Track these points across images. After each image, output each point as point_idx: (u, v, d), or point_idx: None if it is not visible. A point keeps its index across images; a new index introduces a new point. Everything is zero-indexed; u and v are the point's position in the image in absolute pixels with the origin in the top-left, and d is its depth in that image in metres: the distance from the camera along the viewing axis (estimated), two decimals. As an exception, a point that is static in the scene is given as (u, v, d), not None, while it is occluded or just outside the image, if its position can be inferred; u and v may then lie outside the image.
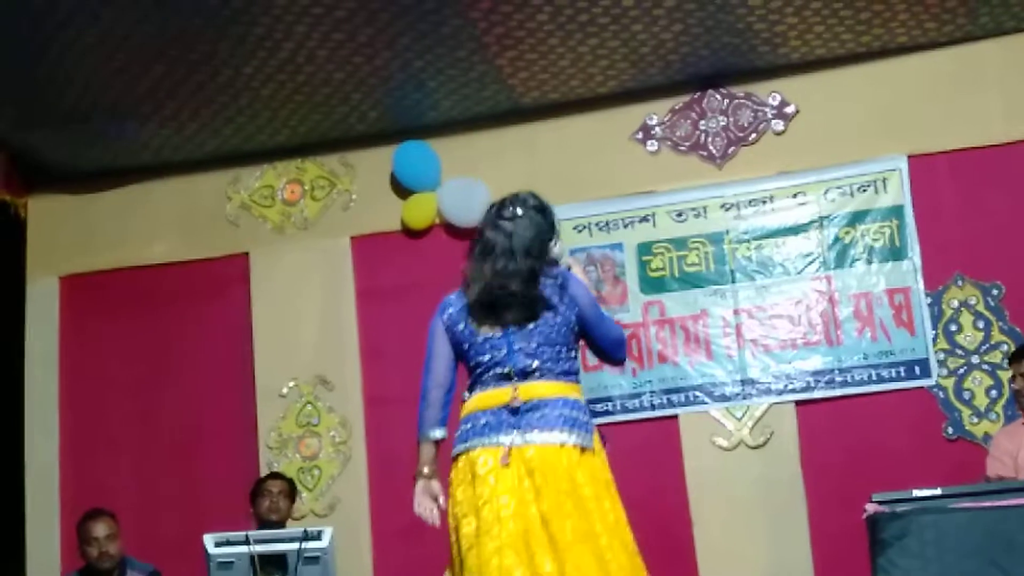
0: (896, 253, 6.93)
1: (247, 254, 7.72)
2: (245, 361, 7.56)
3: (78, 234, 7.90)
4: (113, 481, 7.47)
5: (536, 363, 4.31)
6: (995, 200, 6.86)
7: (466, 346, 4.55)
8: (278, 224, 7.74)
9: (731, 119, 7.25)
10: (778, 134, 7.20)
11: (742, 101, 7.25)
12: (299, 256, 7.64)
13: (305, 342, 7.56)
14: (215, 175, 7.81)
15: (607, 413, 7.06)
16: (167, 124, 7.25)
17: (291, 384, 7.51)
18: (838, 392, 6.88)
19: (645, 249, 7.23)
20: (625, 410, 7.05)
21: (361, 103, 7.20)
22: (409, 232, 7.54)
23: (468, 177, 7.42)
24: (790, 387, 6.90)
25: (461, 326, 4.59)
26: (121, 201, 7.90)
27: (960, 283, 6.84)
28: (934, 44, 6.93)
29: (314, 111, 7.25)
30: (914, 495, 4.67)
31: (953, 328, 6.82)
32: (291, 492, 6.57)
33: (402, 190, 7.54)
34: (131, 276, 7.80)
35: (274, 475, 6.71)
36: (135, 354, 7.72)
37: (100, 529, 6.03)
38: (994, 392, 6.72)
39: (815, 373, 6.90)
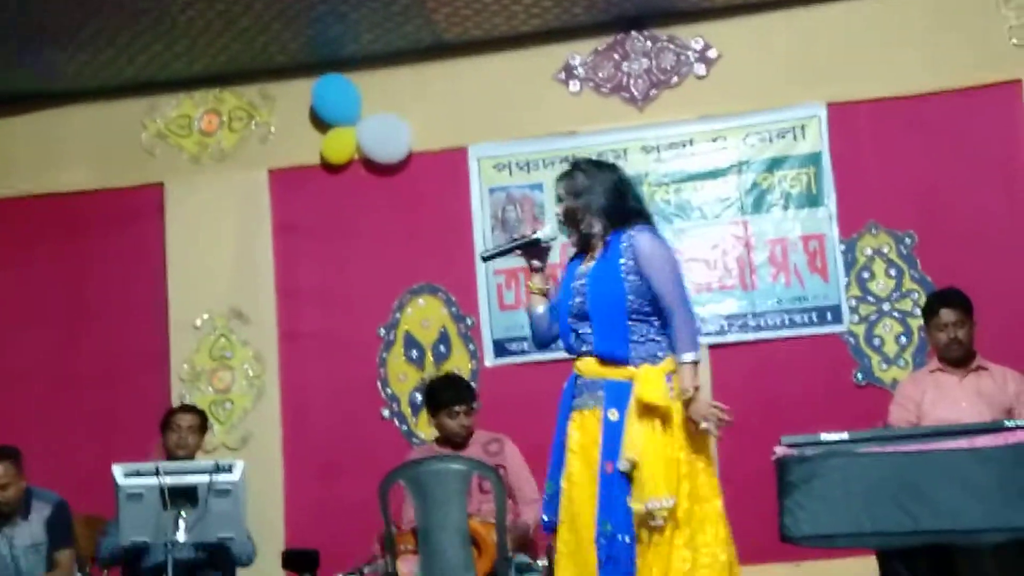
0: (812, 200, 6.99)
1: (162, 184, 7.61)
2: (159, 292, 7.49)
3: (-10, 160, 7.76)
4: (23, 409, 7.37)
5: None
6: (911, 150, 6.92)
7: None
8: (194, 154, 7.64)
9: (654, 62, 7.25)
10: (700, 78, 7.21)
11: (665, 44, 7.24)
12: (215, 188, 7.55)
13: (220, 275, 7.49)
14: (131, 103, 7.68)
15: (522, 353, 7.08)
16: (83, 50, 7.12)
17: (205, 316, 7.45)
18: (751, 336, 6.94)
19: (565, 190, 7.22)
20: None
21: (281, 33, 7.10)
22: (328, 166, 7.48)
23: (388, 113, 7.36)
24: (704, 330, 6.93)
25: None
26: (35, 127, 7.76)
27: (874, 231, 6.92)
28: (857, -8, 6.97)
29: (234, 40, 7.14)
30: (822, 439, 4.72)
31: (866, 275, 6.90)
32: (201, 426, 6.46)
33: (321, 124, 7.47)
34: (44, 204, 7.67)
35: (185, 408, 6.58)
36: (46, 282, 7.61)
37: None
38: (904, 339, 6.81)
39: (729, 317, 6.96)
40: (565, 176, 4.67)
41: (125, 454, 5.63)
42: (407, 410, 7.19)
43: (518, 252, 4.69)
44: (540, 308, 4.65)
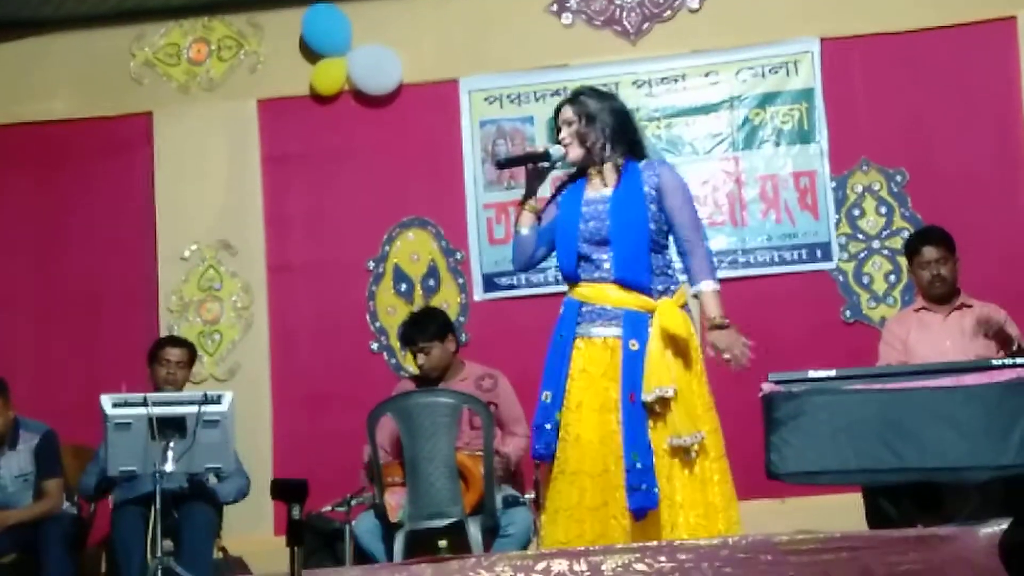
0: (804, 136, 6.97)
1: (150, 113, 7.55)
2: (147, 223, 7.45)
3: (-25, 88, 7.69)
4: (10, 340, 7.35)
5: None
6: (904, 87, 6.90)
7: None
8: (183, 84, 7.58)
9: (647, -6, 7.20)
10: (693, 12, 7.16)
11: (658, -24, 7.19)
12: (204, 117, 7.49)
13: (208, 206, 7.45)
14: (119, 31, 7.60)
15: (511, 287, 7.08)
16: (70, -25, 7.05)
17: (193, 248, 7.42)
18: (740, 272, 6.94)
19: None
20: (530, 284, 7.05)
21: (272, -39, 7.04)
22: (317, 97, 7.43)
23: (379, 44, 7.30)
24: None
25: None
26: (20, 55, 7.67)
27: (865, 168, 6.90)
28: (852, -74, 6.92)
29: (223, -33, 7.08)
30: (809, 376, 4.74)
31: (856, 213, 6.90)
32: (190, 360, 6.44)
33: (311, 54, 7.40)
34: (29, 132, 7.59)
35: (173, 341, 6.52)
36: (33, 212, 7.55)
37: None
38: (893, 277, 6.82)
39: (718, 253, 6.92)
40: (573, 101, 4.65)
41: (112, 386, 5.61)
42: (395, 343, 7.18)
43: (529, 165, 4.63)
44: (526, 230, 4.62)
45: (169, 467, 5.20)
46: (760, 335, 6.65)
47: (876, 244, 6.86)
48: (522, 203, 4.64)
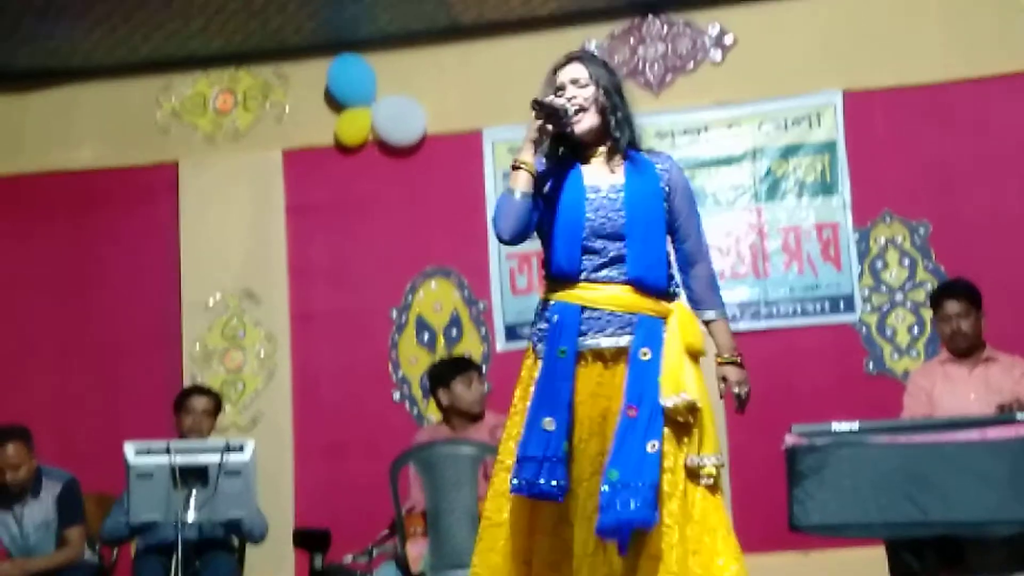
0: (827, 188, 6.97)
1: (176, 163, 7.62)
2: (171, 272, 7.49)
3: (5, 136, 7.75)
4: (34, 388, 7.39)
5: None
6: (927, 139, 6.90)
7: None
8: (209, 134, 7.64)
9: (670, 47, 7.23)
10: (716, 64, 7.19)
11: (682, 29, 7.22)
12: (229, 167, 7.55)
13: (233, 255, 7.49)
14: (147, 81, 7.68)
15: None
16: (99, 26, 7.11)
17: (217, 296, 7.46)
18: (763, 324, 6.93)
19: (579, 174, 7.21)
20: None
21: (298, 13, 7.10)
22: (342, 148, 7.48)
23: (403, 95, 7.35)
24: (716, 317, 6.94)
25: None
26: (50, 104, 7.75)
27: (888, 220, 6.90)
28: (876, -21, 6.95)
29: (250, 19, 7.14)
30: (832, 428, 4.73)
31: (879, 265, 6.89)
32: (216, 408, 6.47)
33: (336, 105, 7.46)
34: (57, 181, 7.67)
35: (199, 390, 6.53)
36: (59, 260, 7.61)
37: (5, 456, 5.91)
38: (916, 329, 6.80)
39: (741, 305, 6.95)
40: (583, 59, 3.98)
41: (135, 433, 5.64)
42: (418, 393, 7.19)
43: (543, 115, 3.80)
44: (523, 193, 3.80)
45: (191, 516, 5.21)
46: (783, 387, 6.73)
47: (899, 296, 6.85)
48: (517, 164, 3.82)
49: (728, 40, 7.16)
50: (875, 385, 6.75)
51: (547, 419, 3.71)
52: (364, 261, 7.36)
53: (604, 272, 3.82)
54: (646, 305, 3.81)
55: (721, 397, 3.91)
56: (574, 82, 3.89)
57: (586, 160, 3.92)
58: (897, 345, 6.82)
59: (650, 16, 7.23)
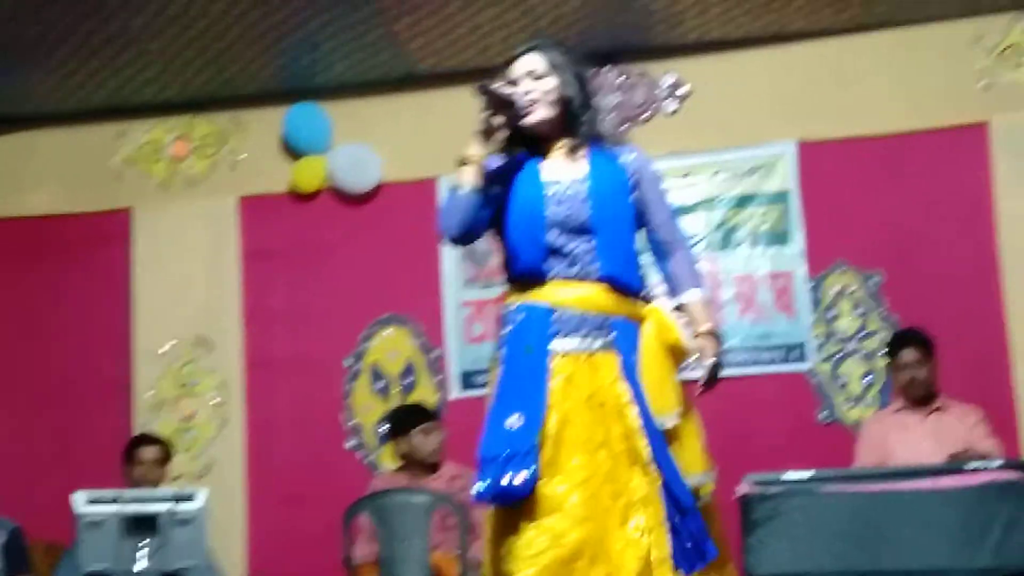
0: (781, 237, 7.01)
1: (131, 209, 7.58)
2: (124, 319, 7.45)
3: (-44, 182, 7.71)
4: (-17, 435, 7.32)
5: None
6: (880, 189, 6.95)
7: None
8: (164, 180, 7.62)
9: (625, 97, 7.27)
10: (671, 114, 7.24)
11: (637, 79, 7.26)
12: (184, 214, 7.52)
13: (187, 302, 7.45)
14: (101, 127, 7.65)
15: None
16: (54, 73, 7.08)
17: (170, 344, 7.41)
18: (718, 373, 6.93)
19: (534, 223, 7.22)
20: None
21: (254, 61, 7.10)
22: (298, 195, 7.47)
23: (359, 142, 7.36)
24: (670, 366, 6.95)
25: None
26: (3, 150, 7.72)
27: (841, 270, 6.94)
28: (829, 32, 7.00)
29: (206, 67, 7.13)
30: (786, 477, 4.73)
31: (832, 314, 6.92)
32: (165, 457, 6.43)
33: (292, 152, 7.46)
34: (10, 227, 7.62)
35: (147, 439, 6.51)
36: (11, 306, 7.55)
37: None
38: (869, 379, 6.83)
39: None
40: (540, 48, 3.71)
41: (86, 482, 5.57)
42: (372, 441, 7.16)
43: (496, 114, 3.57)
44: (470, 187, 3.56)
45: (141, 566, 5.15)
46: (737, 436, 6.73)
47: (852, 345, 6.88)
48: (465, 159, 3.59)
49: (683, 91, 7.21)
50: (828, 434, 6.77)
51: (514, 416, 3.42)
52: (319, 308, 7.34)
53: (573, 269, 3.57)
54: (621, 308, 3.57)
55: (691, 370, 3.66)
56: (530, 74, 3.65)
57: (545, 154, 3.67)
58: (850, 394, 6.84)
59: (606, 66, 7.27)
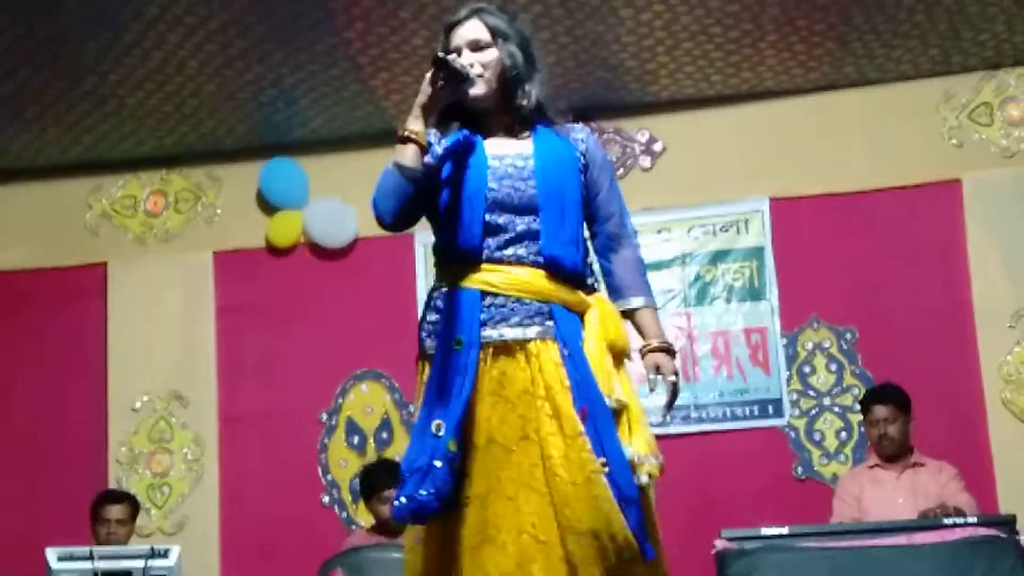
0: (755, 293, 7.04)
1: (106, 264, 7.57)
2: (99, 373, 7.41)
3: (-69, 236, 7.69)
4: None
5: None
6: (853, 246, 6.99)
7: None
8: (139, 235, 7.61)
9: (600, 153, 7.29)
10: (645, 170, 7.28)
11: (611, 136, 7.30)
12: (159, 269, 7.51)
13: (161, 356, 7.43)
14: (77, 182, 7.64)
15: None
16: (29, 128, 7.08)
17: (145, 399, 7.38)
18: (693, 428, 6.94)
19: (510, 278, 7.23)
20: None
21: (230, 117, 7.12)
22: (273, 249, 7.47)
23: (335, 197, 7.37)
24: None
25: None
26: (-24, 205, 7.71)
27: (815, 325, 6.97)
28: (800, 90, 7.08)
29: (182, 122, 7.15)
30: (762, 533, 4.74)
31: (807, 369, 6.94)
32: (132, 514, 6.35)
33: (268, 207, 7.46)
34: (-16, 281, 7.60)
35: (113, 497, 6.40)
36: (-17, 361, 7.52)
37: None
38: (844, 434, 6.84)
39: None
40: (480, 14, 3.35)
41: (60, 537, 5.54)
42: (347, 496, 7.13)
43: (445, 85, 3.19)
44: (411, 165, 3.22)
45: (114, 623, 5.12)
46: (713, 491, 6.74)
47: (827, 401, 6.90)
48: (406, 135, 3.24)
49: (657, 147, 7.26)
50: (804, 489, 6.78)
51: (436, 422, 3.14)
52: (294, 363, 7.32)
53: (511, 250, 3.22)
54: (561, 295, 3.23)
55: (651, 390, 3.33)
56: (472, 45, 3.30)
57: (488, 131, 3.34)
58: (825, 449, 6.85)
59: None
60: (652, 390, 3.33)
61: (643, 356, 3.33)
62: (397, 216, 3.28)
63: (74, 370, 7.45)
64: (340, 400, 7.30)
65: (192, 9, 6.02)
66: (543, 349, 3.17)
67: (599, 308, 3.28)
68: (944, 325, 6.83)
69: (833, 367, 6.93)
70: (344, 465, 7.20)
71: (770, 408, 6.93)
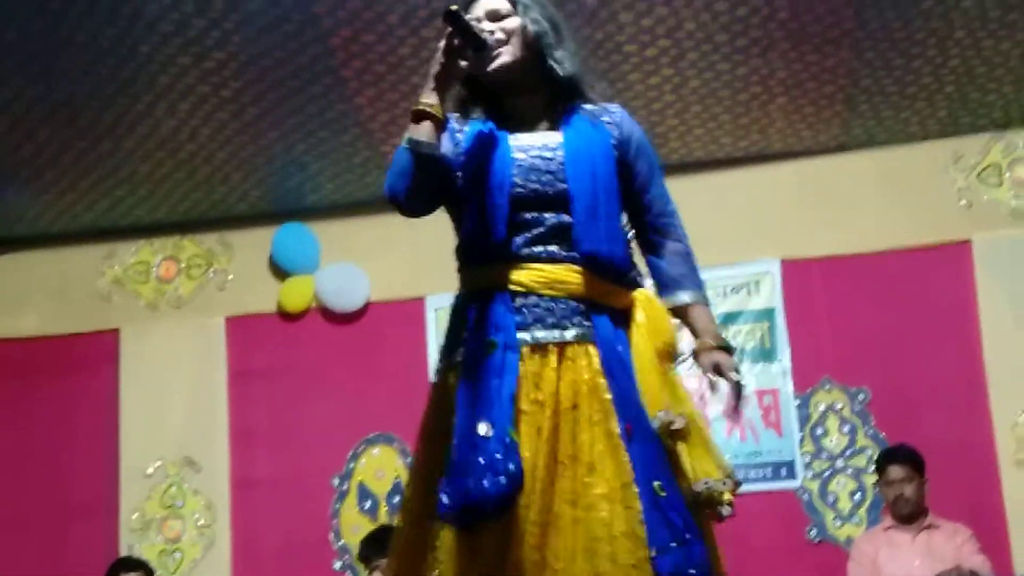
0: (767, 354, 7.03)
1: (118, 330, 7.58)
2: (111, 439, 7.41)
3: (-57, 303, 7.72)
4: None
5: None
6: (864, 307, 6.99)
7: None
8: (152, 301, 7.63)
9: (610, 216, 7.31)
10: (656, 232, 7.27)
11: (622, 199, 7.30)
12: (172, 334, 7.53)
13: (174, 422, 7.43)
14: (90, 248, 7.68)
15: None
16: (44, 195, 7.13)
17: (157, 464, 7.37)
18: (706, 490, 6.90)
19: (521, 341, 7.23)
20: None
21: (243, 183, 7.16)
22: (285, 314, 7.48)
23: (347, 262, 7.39)
24: (659, 484, 6.92)
25: None
26: (-9, 272, 7.75)
27: (828, 387, 6.95)
28: (809, 152, 7.10)
29: (195, 189, 7.19)
30: (777, 596, 4.71)
31: (820, 431, 6.92)
32: (147, 581, 6.36)
33: (280, 272, 7.49)
34: (-2, 348, 7.63)
35: (128, 565, 6.42)
36: (-4, 427, 7.53)
37: None
38: (858, 496, 6.81)
39: (684, 471, 6.94)
40: None
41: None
42: (359, 563, 7.09)
43: (461, 40, 2.83)
44: (428, 141, 2.86)
45: None
46: (726, 555, 6.68)
47: (840, 463, 6.87)
48: (420, 109, 2.87)
49: (668, 209, 7.26)
50: (818, 552, 6.73)
51: (483, 425, 2.76)
52: (306, 428, 7.31)
53: (540, 247, 2.92)
54: (601, 293, 2.94)
55: (713, 392, 3.03)
56: (491, 15, 3.00)
57: (515, 117, 3.04)
58: (839, 512, 6.81)
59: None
60: (714, 392, 3.00)
61: (697, 357, 3.03)
62: (412, 197, 2.94)
63: (86, 436, 7.45)
64: (352, 465, 7.28)
65: (205, 78, 6.07)
66: (581, 353, 2.87)
67: (644, 306, 3.01)
68: (956, 385, 6.81)
69: (846, 428, 6.90)
70: (356, 530, 7.16)
71: (783, 470, 6.90)
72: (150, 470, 7.37)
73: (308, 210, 7.46)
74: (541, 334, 2.87)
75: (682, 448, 2.88)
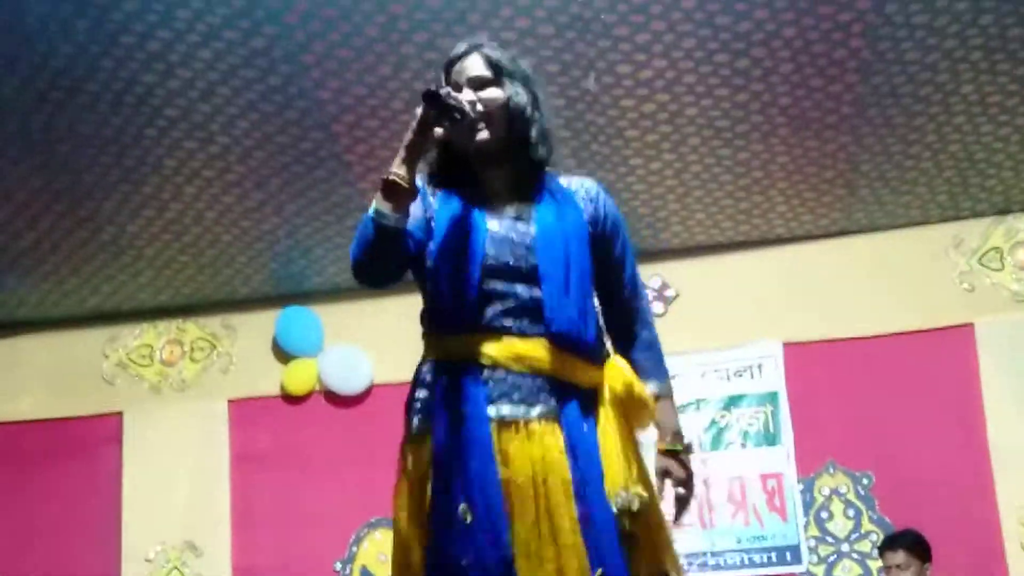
0: (770, 438, 7.02)
1: (121, 413, 7.58)
2: (112, 522, 7.38)
3: (-54, 387, 7.73)
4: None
5: None
6: (867, 390, 6.98)
7: None
8: (155, 384, 7.64)
9: (613, 299, 7.33)
10: (658, 316, 7.30)
11: (624, 282, 7.33)
12: (174, 417, 7.52)
13: (176, 506, 7.40)
14: (93, 332, 7.70)
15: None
16: (48, 279, 7.16)
17: (158, 548, 7.33)
18: (710, 575, 6.87)
19: (524, 425, 7.22)
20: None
21: (246, 266, 7.19)
22: (288, 397, 7.48)
23: (350, 345, 7.40)
24: (663, 569, 6.88)
25: None
26: (-6, 356, 7.76)
27: (832, 471, 6.93)
28: (811, 236, 7.13)
29: (198, 272, 7.22)
30: None
31: (824, 515, 6.89)
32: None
33: (283, 355, 7.50)
34: (1, 432, 7.60)
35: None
36: (-1, 510, 7.51)
37: None
38: (863, 582, 6.77)
39: (688, 555, 6.90)
40: (494, 51, 3.00)
41: None
42: (362, 648, 7.05)
43: (438, 114, 2.77)
44: (389, 218, 2.83)
45: None
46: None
47: (845, 547, 6.83)
48: (389, 179, 2.84)
49: (670, 293, 7.29)
50: (824, 638, 6.69)
51: (462, 506, 2.73)
52: (309, 511, 7.28)
53: (510, 321, 2.86)
54: (569, 370, 2.88)
55: (661, 499, 2.98)
56: (474, 82, 2.94)
57: (483, 184, 2.99)
58: (845, 597, 6.78)
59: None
60: (661, 499, 2.95)
61: (657, 456, 3.01)
62: (374, 267, 2.89)
63: (88, 519, 7.43)
64: (355, 549, 7.24)
65: (210, 163, 6.12)
66: (547, 432, 2.81)
67: (613, 378, 2.95)
68: (961, 469, 6.79)
69: (851, 512, 6.87)
70: (359, 615, 7.13)
71: (788, 555, 6.86)
72: (151, 554, 7.33)
73: (311, 293, 7.49)
74: (507, 410, 2.81)
75: (639, 534, 2.85)
